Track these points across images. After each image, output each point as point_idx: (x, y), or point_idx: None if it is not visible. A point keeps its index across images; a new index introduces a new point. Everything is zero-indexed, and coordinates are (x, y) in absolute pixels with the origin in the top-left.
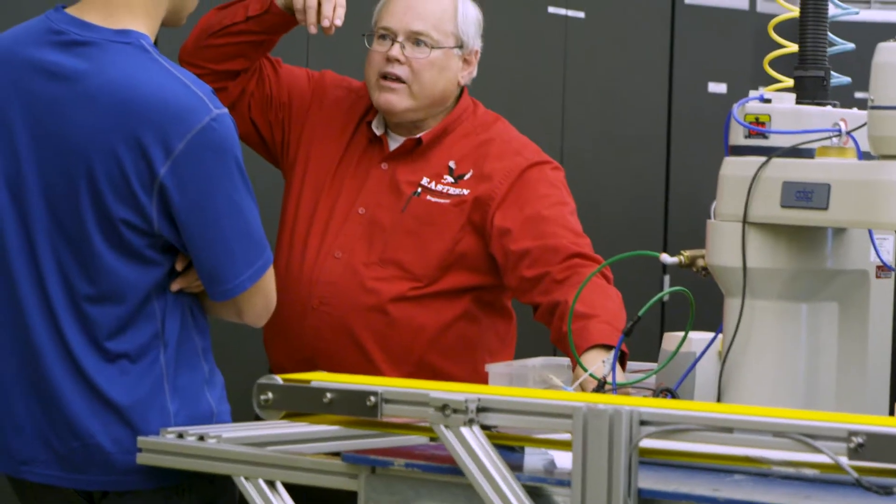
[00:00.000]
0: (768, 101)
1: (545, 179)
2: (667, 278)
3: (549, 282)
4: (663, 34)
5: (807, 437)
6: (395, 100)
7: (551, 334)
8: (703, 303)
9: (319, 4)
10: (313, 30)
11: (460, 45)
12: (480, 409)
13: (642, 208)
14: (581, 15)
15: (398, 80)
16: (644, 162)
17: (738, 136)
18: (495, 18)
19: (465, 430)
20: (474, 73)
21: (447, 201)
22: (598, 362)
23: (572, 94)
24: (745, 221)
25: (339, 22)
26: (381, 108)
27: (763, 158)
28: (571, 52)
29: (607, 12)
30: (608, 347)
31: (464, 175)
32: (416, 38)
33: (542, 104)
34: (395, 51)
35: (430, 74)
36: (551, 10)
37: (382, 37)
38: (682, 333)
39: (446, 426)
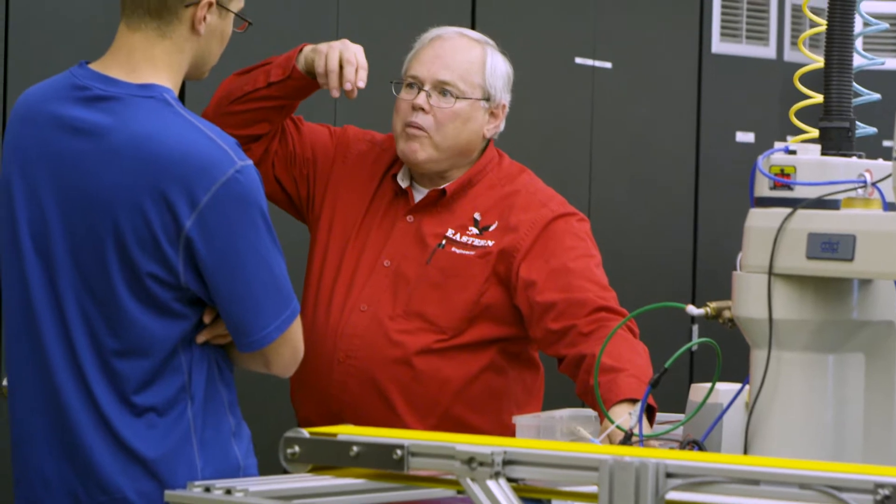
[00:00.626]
0: (793, 152)
1: (571, 231)
2: (695, 328)
3: (575, 334)
4: (691, 84)
5: (833, 489)
6: (418, 149)
7: (577, 387)
8: (731, 353)
9: (341, 68)
10: (336, 94)
11: (487, 98)
12: (507, 462)
13: (670, 258)
14: (608, 65)
15: (421, 129)
16: (672, 212)
17: (763, 188)
18: (522, 69)
19: (491, 483)
20: (501, 128)
21: (472, 253)
22: (625, 415)
23: (600, 143)
24: (770, 273)
25: (361, 84)
26: (404, 158)
27: (788, 210)
28: (599, 103)
29: (634, 62)
30: (636, 402)
31: (489, 226)
32: (442, 88)
33: (570, 154)
34: (421, 99)
35: (454, 125)
36: (578, 60)
37: (410, 85)
38: (709, 384)
39: (472, 479)
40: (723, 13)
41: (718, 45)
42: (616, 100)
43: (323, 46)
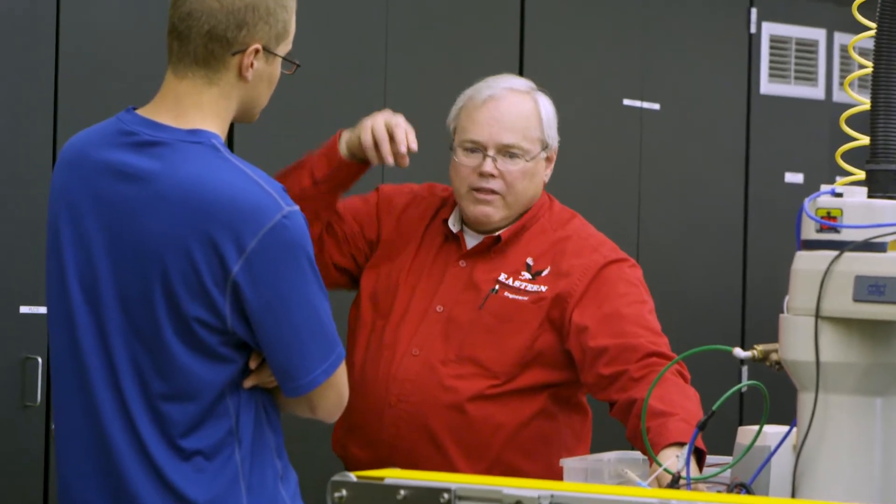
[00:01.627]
0: (840, 195)
1: (623, 277)
2: (744, 370)
3: (626, 380)
4: (739, 124)
5: None
6: (492, 212)
7: (627, 431)
8: (780, 396)
9: (390, 135)
10: (390, 160)
11: (545, 147)
12: None
13: (720, 299)
14: (656, 107)
15: (493, 193)
16: (721, 252)
17: (809, 231)
18: (570, 111)
19: None
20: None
21: (525, 298)
22: (672, 458)
23: (648, 185)
24: (817, 316)
25: (414, 147)
26: (475, 220)
27: (835, 252)
28: (647, 144)
29: (682, 104)
30: (685, 445)
31: (541, 272)
32: (507, 151)
33: (619, 196)
34: (489, 166)
35: (523, 184)
36: (626, 102)
37: (471, 149)
38: (757, 427)
39: None
40: (771, 54)
41: (767, 86)
42: (664, 141)
43: (366, 120)
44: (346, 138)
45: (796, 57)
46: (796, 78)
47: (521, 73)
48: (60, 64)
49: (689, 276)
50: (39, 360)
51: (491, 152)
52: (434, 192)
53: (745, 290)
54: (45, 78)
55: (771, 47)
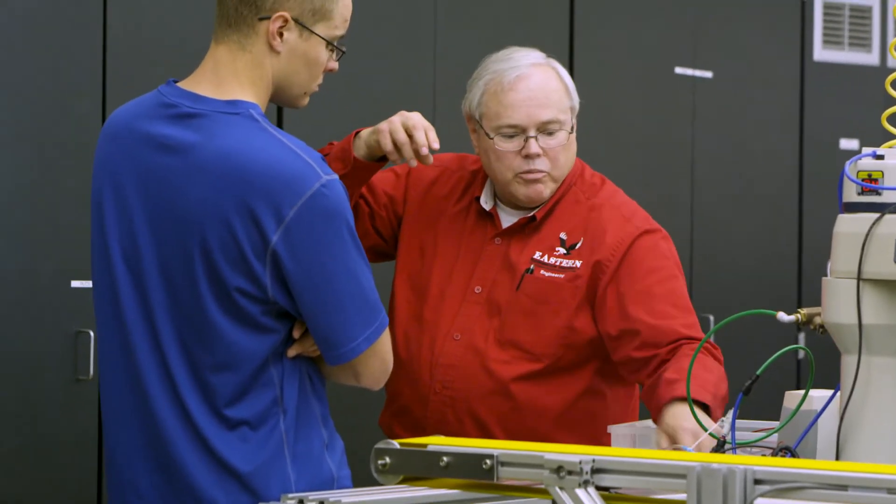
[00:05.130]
0: (881, 157)
1: (656, 250)
2: (801, 336)
3: (657, 363)
4: (793, 91)
5: None
6: (542, 188)
7: (651, 413)
8: (833, 360)
9: (410, 137)
10: (414, 163)
11: (574, 114)
12: (595, 471)
13: (775, 266)
14: (709, 75)
15: (541, 172)
16: (776, 219)
17: (851, 194)
18: (622, 79)
19: (580, 492)
20: None
21: (561, 276)
22: (678, 414)
23: (701, 153)
24: (859, 278)
25: (435, 145)
26: (527, 200)
27: (876, 215)
28: (700, 112)
29: (735, 71)
30: (697, 404)
31: (575, 245)
32: (545, 128)
33: (672, 164)
34: (535, 148)
35: (566, 156)
36: (678, 70)
37: (510, 135)
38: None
39: (561, 488)
40: (825, 20)
41: (821, 53)
42: (717, 109)
43: (383, 125)
44: (364, 140)
45: (850, 23)
46: (850, 44)
47: (570, 45)
48: (108, 37)
49: (745, 245)
50: (91, 333)
51: (532, 132)
52: (464, 166)
53: (801, 257)
54: (94, 52)
55: (825, 14)
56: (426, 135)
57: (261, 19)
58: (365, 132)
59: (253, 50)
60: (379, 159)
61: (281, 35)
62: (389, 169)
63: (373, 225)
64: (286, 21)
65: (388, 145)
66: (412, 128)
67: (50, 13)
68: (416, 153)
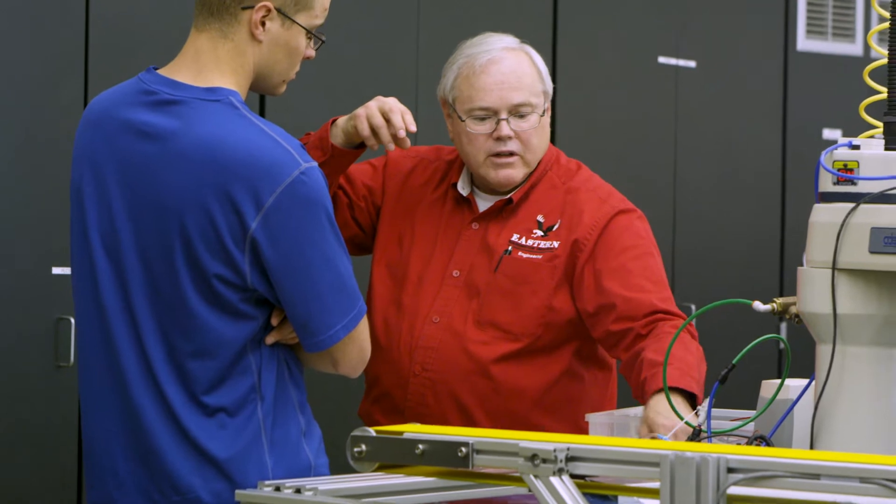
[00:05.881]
0: (857, 147)
1: (631, 229)
2: (783, 326)
3: (633, 336)
4: (776, 81)
5: (893, 483)
6: (513, 173)
7: (633, 391)
8: (812, 349)
9: (387, 121)
10: (391, 146)
11: (547, 98)
12: (570, 459)
13: (758, 256)
14: (692, 64)
15: (511, 153)
16: (759, 209)
17: (826, 183)
18: (605, 68)
19: (554, 480)
20: None
21: (539, 257)
22: (665, 405)
23: (684, 143)
24: (834, 268)
25: (412, 128)
26: (497, 184)
27: (851, 205)
28: (683, 102)
29: (718, 61)
30: (681, 392)
31: (553, 226)
32: (517, 111)
33: (654, 153)
34: (506, 129)
35: (538, 139)
36: (661, 60)
37: (481, 118)
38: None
39: (536, 476)
40: (808, 10)
41: (804, 43)
42: (700, 99)
43: (360, 110)
44: (341, 127)
45: (833, 12)
46: (834, 34)
47: (554, 34)
48: (91, 25)
49: (727, 234)
50: (72, 320)
51: (503, 115)
52: (440, 156)
53: (784, 247)
54: (76, 39)
55: (808, 3)
56: (403, 118)
57: (244, 8)
58: (342, 119)
59: (235, 38)
60: (357, 146)
61: (263, 24)
62: (366, 161)
63: (352, 215)
64: (269, 10)
65: (364, 130)
66: (389, 111)
67: (32, 1)
68: (394, 137)
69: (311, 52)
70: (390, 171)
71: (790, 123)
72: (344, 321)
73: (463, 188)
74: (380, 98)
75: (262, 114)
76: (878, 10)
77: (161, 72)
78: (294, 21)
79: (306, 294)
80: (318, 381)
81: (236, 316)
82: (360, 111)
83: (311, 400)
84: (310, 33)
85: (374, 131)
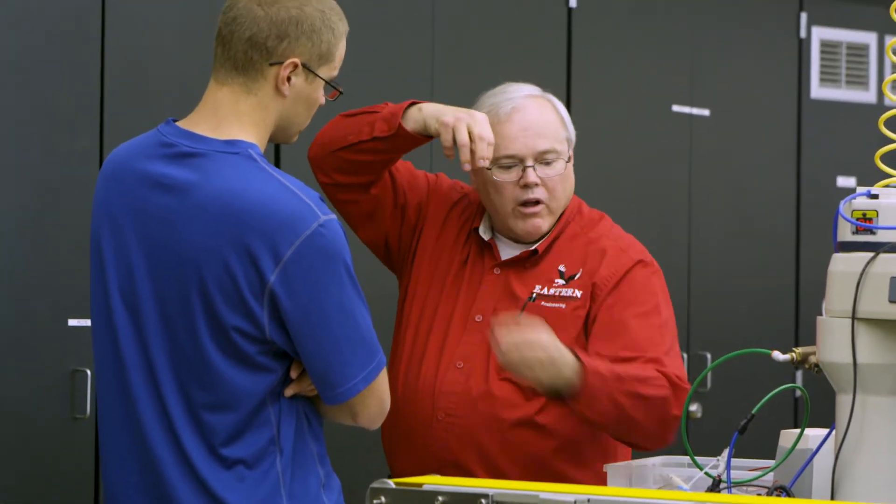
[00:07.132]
0: (875, 196)
1: (645, 284)
2: (798, 374)
3: None
4: (790, 129)
5: None
6: (540, 223)
7: None
8: (830, 399)
9: (472, 140)
10: (467, 168)
11: (570, 146)
12: None
13: (773, 304)
14: (706, 113)
15: (537, 202)
16: (774, 257)
17: (845, 233)
18: (619, 117)
19: None
20: None
21: (563, 305)
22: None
23: (699, 191)
24: (854, 317)
25: (490, 159)
26: (525, 235)
27: (871, 254)
28: (697, 150)
29: (732, 109)
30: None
31: (574, 275)
32: (542, 159)
33: (669, 202)
34: (531, 176)
35: (563, 187)
36: (675, 108)
37: (507, 166)
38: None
39: None
40: (822, 58)
41: (818, 91)
42: (714, 147)
43: (448, 117)
44: (424, 119)
45: (847, 61)
46: (847, 82)
47: (568, 80)
48: (106, 75)
49: (742, 282)
50: (88, 372)
51: (529, 162)
52: (476, 198)
53: (798, 295)
54: (92, 89)
55: (821, 52)
56: (488, 148)
57: (272, 64)
58: (428, 110)
59: (259, 93)
60: (426, 137)
61: (289, 80)
62: (423, 173)
63: (397, 203)
64: (296, 66)
65: (448, 141)
66: (478, 137)
67: (48, 51)
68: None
69: (323, 101)
70: (435, 199)
71: (804, 171)
72: (363, 373)
73: (484, 233)
74: (473, 114)
75: (276, 162)
76: (891, 58)
77: (180, 124)
78: (317, 75)
79: (325, 346)
80: (336, 430)
81: (255, 368)
82: (449, 119)
83: (330, 449)
84: (329, 84)
85: (456, 144)
